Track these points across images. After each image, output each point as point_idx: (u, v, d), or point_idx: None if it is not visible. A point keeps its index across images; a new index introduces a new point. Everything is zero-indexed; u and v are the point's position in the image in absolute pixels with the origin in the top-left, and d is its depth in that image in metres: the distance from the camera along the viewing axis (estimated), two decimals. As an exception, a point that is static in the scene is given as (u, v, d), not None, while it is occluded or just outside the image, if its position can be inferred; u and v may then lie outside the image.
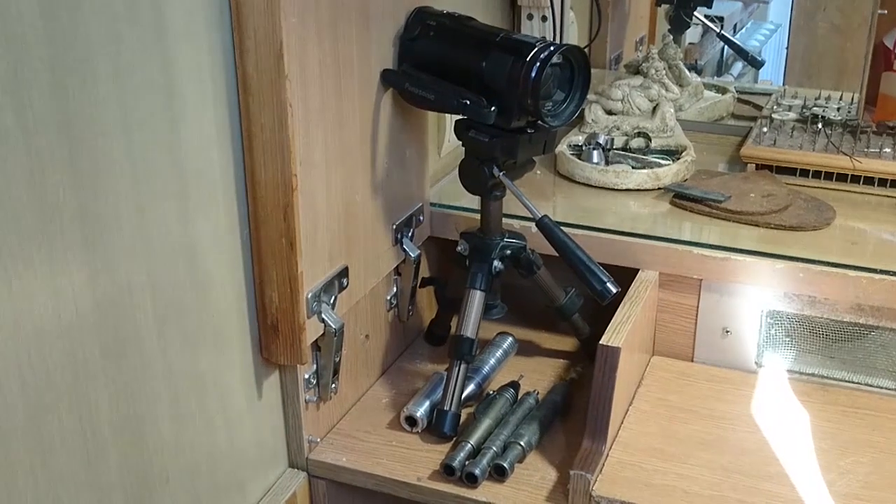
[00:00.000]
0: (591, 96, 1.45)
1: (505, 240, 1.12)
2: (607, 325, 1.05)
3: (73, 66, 0.68)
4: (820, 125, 1.41)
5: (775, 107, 1.52)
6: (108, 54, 0.71)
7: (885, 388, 1.13)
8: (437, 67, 1.03)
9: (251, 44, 0.85)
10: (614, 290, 1.00)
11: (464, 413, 1.09)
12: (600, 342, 1.02)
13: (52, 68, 0.66)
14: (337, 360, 1.03)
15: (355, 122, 1.01)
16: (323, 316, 0.98)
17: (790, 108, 1.50)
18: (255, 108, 0.88)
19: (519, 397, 1.12)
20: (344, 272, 1.02)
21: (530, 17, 1.43)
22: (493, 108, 0.98)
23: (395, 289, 1.19)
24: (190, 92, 0.81)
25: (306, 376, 1.02)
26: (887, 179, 1.30)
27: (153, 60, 0.76)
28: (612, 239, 1.17)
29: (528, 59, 0.96)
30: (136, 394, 0.81)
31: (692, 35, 2.00)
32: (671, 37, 1.69)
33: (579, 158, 1.37)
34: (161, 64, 0.77)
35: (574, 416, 1.11)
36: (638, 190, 1.32)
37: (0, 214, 0.64)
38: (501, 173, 1.05)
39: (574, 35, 1.59)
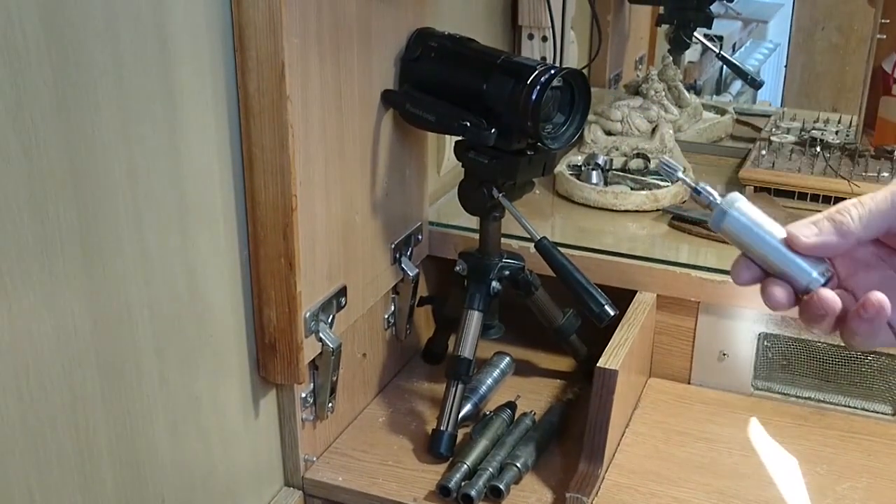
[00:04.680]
0: (590, 117, 1.45)
1: (503, 260, 1.12)
2: (604, 346, 1.06)
3: (76, 87, 0.68)
4: (818, 148, 1.42)
5: (774, 129, 1.52)
6: (111, 74, 0.71)
7: (882, 413, 1.13)
8: (437, 89, 1.04)
9: (253, 64, 0.85)
10: (612, 313, 1.00)
11: (460, 433, 1.09)
12: (598, 365, 1.02)
13: (54, 88, 0.66)
14: (334, 378, 1.03)
15: (356, 142, 1.01)
16: (321, 335, 0.98)
17: (788, 131, 1.51)
18: (256, 129, 0.88)
19: (516, 418, 1.12)
20: (342, 291, 1.02)
21: (531, 37, 1.44)
22: (493, 131, 0.98)
23: (392, 308, 1.19)
24: (191, 112, 0.82)
25: (303, 395, 1.02)
26: (885, 204, 1.30)
27: (155, 80, 0.77)
28: (611, 260, 1.17)
29: (528, 82, 0.96)
30: (133, 413, 0.80)
31: (692, 54, 2.01)
32: (671, 57, 1.69)
33: (578, 179, 1.38)
34: (163, 84, 0.78)
35: (570, 438, 1.11)
36: (636, 211, 1.32)
37: (0, 234, 0.64)
38: (500, 195, 1.05)
39: (574, 55, 1.60)
